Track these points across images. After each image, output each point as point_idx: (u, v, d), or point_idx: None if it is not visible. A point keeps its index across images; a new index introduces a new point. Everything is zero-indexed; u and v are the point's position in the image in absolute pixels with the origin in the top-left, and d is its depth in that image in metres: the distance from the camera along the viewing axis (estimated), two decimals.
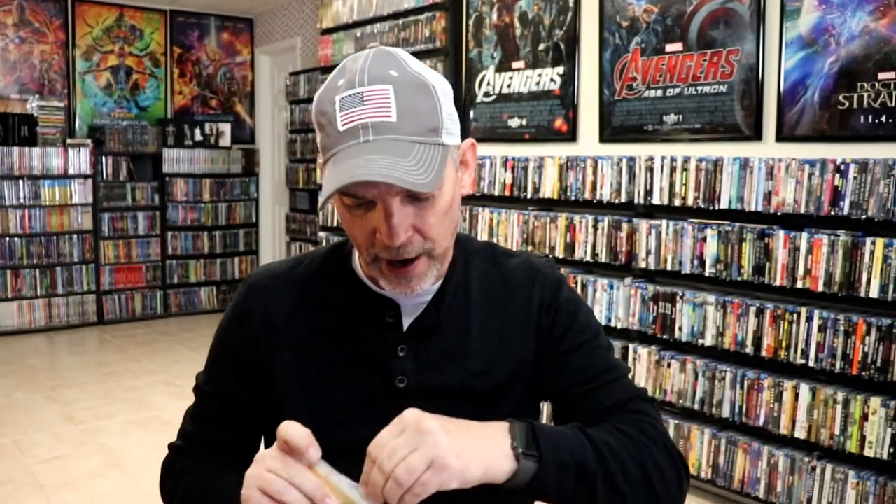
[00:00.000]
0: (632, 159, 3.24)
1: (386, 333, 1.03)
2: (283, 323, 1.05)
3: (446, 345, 1.04)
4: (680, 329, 3.04)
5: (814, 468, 2.64)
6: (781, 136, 2.84)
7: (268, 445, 1.10)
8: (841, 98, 2.65)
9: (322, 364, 1.03)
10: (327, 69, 5.14)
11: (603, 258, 3.35)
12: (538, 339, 1.07)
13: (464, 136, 1.01)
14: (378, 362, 1.02)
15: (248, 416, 1.09)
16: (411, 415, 0.81)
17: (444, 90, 0.93)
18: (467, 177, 1.00)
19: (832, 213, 2.59)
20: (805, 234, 2.65)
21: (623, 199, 3.28)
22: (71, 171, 5.87)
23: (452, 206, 0.95)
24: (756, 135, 2.91)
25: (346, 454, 1.03)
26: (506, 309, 1.07)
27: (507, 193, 3.82)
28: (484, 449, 0.82)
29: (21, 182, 5.66)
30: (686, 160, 3.04)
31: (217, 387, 1.10)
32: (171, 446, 1.15)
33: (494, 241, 3.80)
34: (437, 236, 0.94)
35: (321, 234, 5.24)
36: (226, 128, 6.77)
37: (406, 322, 1.03)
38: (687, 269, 3.02)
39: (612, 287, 3.31)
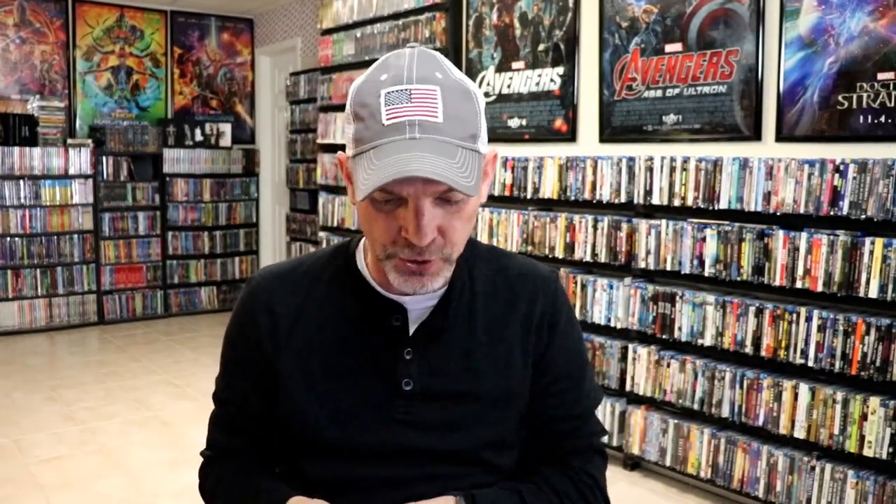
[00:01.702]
0: (631, 159, 3.24)
1: (392, 336, 1.02)
2: (287, 324, 1.05)
3: (452, 348, 1.04)
4: (679, 329, 3.05)
5: (813, 468, 2.64)
6: (781, 137, 2.84)
7: (279, 447, 1.11)
8: (840, 98, 2.66)
9: (327, 365, 1.03)
10: (327, 69, 5.15)
11: (603, 258, 3.35)
12: (535, 352, 1.08)
13: None
14: (384, 365, 1.02)
15: (264, 419, 1.09)
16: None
17: (482, 99, 0.94)
18: (485, 187, 1.00)
19: (831, 213, 2.59)
20: (804, 234, 2.66)
21: (623, 199, 3.28)
22: (71, 172, 5.88)
23: (474, 213, 0.97)
24: (755, 135, 2.91)
25: (351, 455, 1.03)
26: (510, 314, 1.07)
27: (506, 193, 3.82)
28: None
29: (22, 182, 5.67)
30: (685, 160, 3.04)
31: (231, 393, 1.11)
32: (202, 454, 1.16)
33: (494, 241, 3.80)
34: (458, 241, 0.95)
35: (321, 234, 5.25)
36: (226, 128, 6.78)
37: (412, 324, 1.03)
38: (686, 269, 3.02)
39: (611, 287, 3.31)
